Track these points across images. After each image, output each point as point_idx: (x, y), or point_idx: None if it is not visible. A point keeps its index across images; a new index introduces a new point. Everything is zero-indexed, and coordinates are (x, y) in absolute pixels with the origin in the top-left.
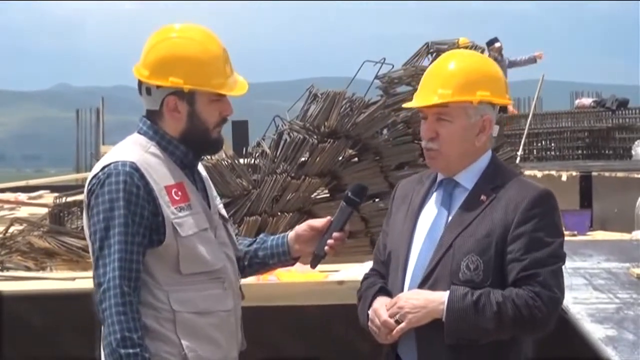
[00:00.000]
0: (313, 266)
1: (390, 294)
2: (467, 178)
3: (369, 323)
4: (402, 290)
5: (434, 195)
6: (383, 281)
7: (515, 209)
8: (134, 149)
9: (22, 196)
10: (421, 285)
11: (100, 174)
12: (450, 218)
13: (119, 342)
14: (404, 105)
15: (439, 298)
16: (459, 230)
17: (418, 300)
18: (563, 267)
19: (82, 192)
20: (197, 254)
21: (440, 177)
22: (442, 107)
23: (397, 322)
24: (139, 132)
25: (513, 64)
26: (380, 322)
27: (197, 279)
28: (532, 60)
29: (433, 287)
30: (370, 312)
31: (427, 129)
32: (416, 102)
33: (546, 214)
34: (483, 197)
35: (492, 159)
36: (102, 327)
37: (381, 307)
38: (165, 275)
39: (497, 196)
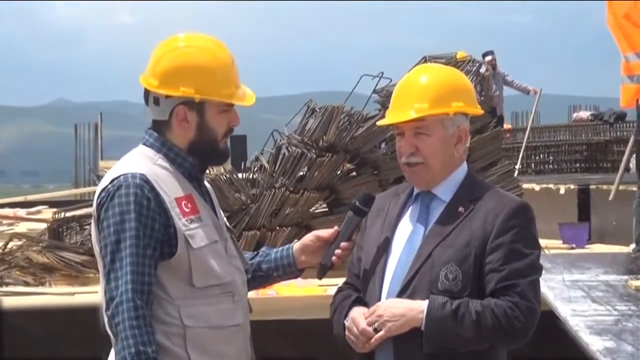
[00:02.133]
0: (320, 277)
1: (366, 305)
2: (444, 190)
3: (346, 332)
4: (379, 300)
5: (411, 207)
6: (358, 293)
7: (494, 219)
8: (142, 161)
9: (21, 211)
10: (399, 295)
11: (109, 186)
12: (428, 229)
13: (133, 356)
14: (378, 123)
15: (419, 307)
16: (438, 240)
17: (397, 309)
18: (559, 278)
19: (80, 208)
20: (208, 266)
21: (417, 189)
22: (420, 121)
23: (376, 331)
24: (145, 144)
25: (507, 83)
26: (359, 330)
27: (210, 292)
28: (526, 90)
29: (411, 297)
30: (347, 321)
31: (405, 144)
32: (393, 119)
33: (524, 226)
34: (461, 209)
35: (468, 171)
36: (115, 342)
37: (359, 316)
38: (177, 288)
39: (475, 207)
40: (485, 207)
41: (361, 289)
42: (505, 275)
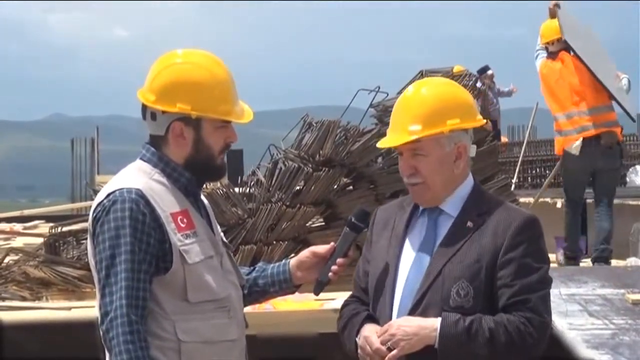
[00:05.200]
0: (316, 293)
1: (376, 321)
2: (451, 205)
3: (360, 351)
4: (390, 317)
5: (418, 222)
6: (365, 308)
7: (504, 234)
8: (138, 176)
9: (18, 226)
10: (411, 312)
11: (105, 201)
12: (437, 245)
13: None
14: (378, 145)
15: (432, 325)
16: (448, 256)
17: (410, 327)
18: (556, 292)
19: (77, 222)
20: (203, 281)
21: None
22: (416, 142)
23: (389, 350)
24: (142, 159)
25: (499, 93)
26: (373, 349)
27: (205, 307)
28: (510, 94)
29: (423, 314)
30: (360, 339)
31: (404, 165)
32: (389, 142)
33: (533, 240)
34: (470, 224)
35: (474, 185)
36: (109, 357)
37: (372, 334)
38: (172, 304)
39: (483, 222)
40: (494, 222)
41: (370, 304)
42: (517, 290)
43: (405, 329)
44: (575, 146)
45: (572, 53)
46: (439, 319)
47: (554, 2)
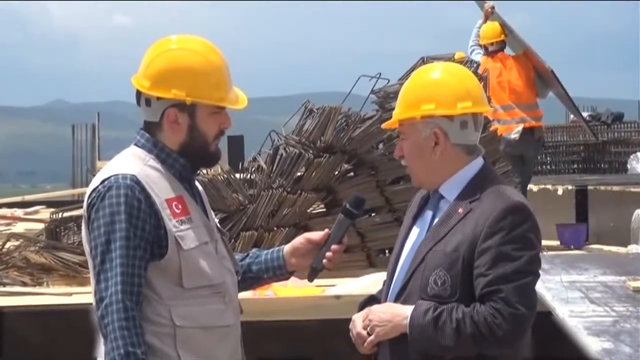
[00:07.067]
0: (311, 279)
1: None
2: (450, 190)
3: (350, 333)
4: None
5: (426, 207)
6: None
7: (485, 222)
8: (133, 162)
9: (19, 212)
10: (396, 299)
11: (100, 187)
12: (429, 231)
13: (122, 357)
14: (383, 126)
15: (404, 313)
16: (432, 244)
17: (385, 314)
18: (557, 279)
19: (78, 208)
20: (199, 267)
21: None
22: (400, 125)
23: (369, 335)
24: (136, 145)
25: None
26: (355, 333)
27: (200, 293)
28: None
29: (406, 301)
30: (351, 322)
31: (396, 148)
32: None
33: (515, 227)
34: (460, 210)
35: (481, 169)
36: (104, 342)
37: (358, 319)
38: (167, 289)
39: (472, 209)
40: (480, 209)
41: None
42: (490, 280)
43: (380, 315)
44: (516, 131)
45: (508, 53)
46: (412, 308)
47: (489, 4)
